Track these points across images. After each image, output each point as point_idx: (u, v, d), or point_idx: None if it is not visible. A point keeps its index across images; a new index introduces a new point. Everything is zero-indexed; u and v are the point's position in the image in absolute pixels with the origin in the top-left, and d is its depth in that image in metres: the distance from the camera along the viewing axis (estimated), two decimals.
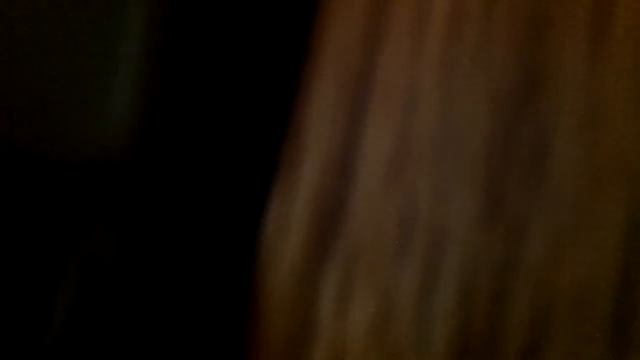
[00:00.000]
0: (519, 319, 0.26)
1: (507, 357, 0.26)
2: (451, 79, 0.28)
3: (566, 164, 0.26)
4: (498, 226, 0.27)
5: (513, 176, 0.27)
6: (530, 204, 0.26)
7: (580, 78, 0.27)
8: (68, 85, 0.29)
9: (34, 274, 0.29)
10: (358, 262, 0.28)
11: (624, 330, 0.25)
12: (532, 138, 0.27)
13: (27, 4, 0.29)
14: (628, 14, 0.26)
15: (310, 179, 0.29)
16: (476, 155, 0.27)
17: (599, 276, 0.25)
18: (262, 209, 0.30)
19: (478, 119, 0.27)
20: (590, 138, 0.26)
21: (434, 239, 0.27)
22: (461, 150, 0.27)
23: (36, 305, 0.29)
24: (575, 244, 0.26)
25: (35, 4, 0.29)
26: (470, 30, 0.28)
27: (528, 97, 0.27)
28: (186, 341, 0.30)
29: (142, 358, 0.29)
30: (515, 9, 0.28)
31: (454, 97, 0.28)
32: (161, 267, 0.30)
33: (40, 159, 0.29)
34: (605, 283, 0.25)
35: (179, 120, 0.30)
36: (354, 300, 0.28)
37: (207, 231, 0.30)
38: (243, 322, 0.29)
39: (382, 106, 0.29)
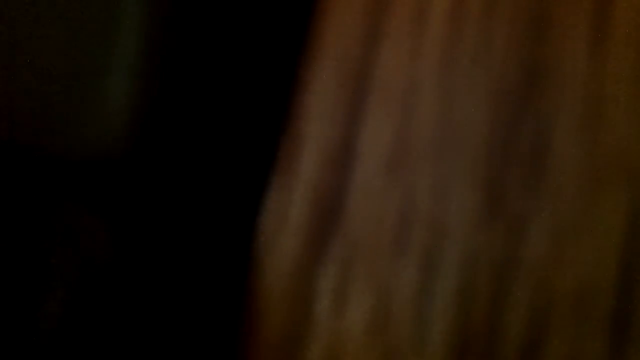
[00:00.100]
0: (519, 318, 0.26)
1: (507, 356, 0.26)
2: (451, 78, 0.28)
3: (566, 163, 0.26)
4: (498, 225, 0.27)
5: (513, 175, 0.27)
6: (530, 203, 0.26)
7: (580, 78, 0.27)
8: (65, 80, 0.29)
9: (26, 270, 0.29)
10: (356, 260, 0.28)
11: (624, 330, 0.25)
12: (532, 137, 0.27)
13: (26, 2, 0.29)
14: (629, 14, 0.26)
15: (308, 176, 0.29)
16: (476, 153, 0.27)
17: (599, 275, 0.25)
18: (259, 205, 0.30)
19: (478, 117, 0.27)
20: (590, 137, 0.26)
21: (433, 237, 0.27)
22: (461, 148, 0.27)
23: (28, 302, 0.29)
24: (575, 243, 0.26)
25: (34, 3, 0.29)
26: (471, 29, 0.28)
27: (528, 96, 0.27)
28: (182, 338, 0.30)
29: (138, 355, 0.29)
30: (516, 8, 0.28)
31: (454, 95, 0.28)
32: (157, 263, 0.30)
33: (35, 153, 0.29)
34: (606, 282, 0.25)
35: (176, 116, 0.30)
36: (351, 297, 0.28)
37: (204, 227, 0.30)
38: (239, 319, 0.29)
39: (382, 103, 0.29)
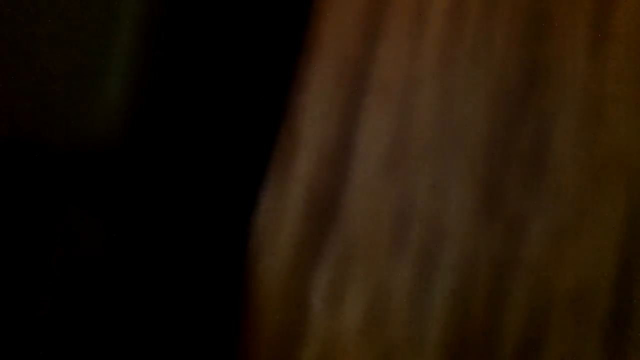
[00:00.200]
0: (517, 318, 0.26)
1: (505, 356, 0.25)
2: (450, 77, 0.28)
3: (566, 162, 0.26)
4: (496, 224, 0.26)
5: (512, 175, 0.27)
6: (529, 202, 0.26)
7: (580, 77, 0.27)
8: (64, 78, 0.29)
9: (21, 265, 0.29)
10: (352, 258, 0.28)
11: (623, 330, 0.25)
12: (531, 136, 0.27)
13: (27, 4, 0.30)
14: (629, 13, 0.26)
15: (305, 175, 0.29)
16: (475, 153, 0.27)
17: (598, 275, 0.25)
18: (255, 203, 0.30)
19: (477, 117, 0.27)
20: (590, 137, 0.26)
21: (431, 237, 0.27)
22: (460, 148, 0.27)
23: (22, 297, 0.28)
24: (574, 243, 0.26)
25: (35, 4, 0.30)
26: (470, 29, 0.28)
27: (528, 95, 0.27)
28: (176, 336, 0.30)
29: (134, 354, 0.29)
30: (516, 8, 0.28)
31: (453, 95, 0.28)
32: (150, 260, 0.29)
33: (34, 148, 0.29)
34: (605, 282, 0.25)
35: (172, 114, 0.30)
36: (348, 297, 0.28)
37: (198, 225, 0.30)
38: (234, 317, 0.29)
39: (380, 103, 0.29)
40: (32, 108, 0.29)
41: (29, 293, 0.28)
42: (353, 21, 0.29)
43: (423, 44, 0.29)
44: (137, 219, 0.29)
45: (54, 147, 0.29)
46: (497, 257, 0.26)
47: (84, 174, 0.29)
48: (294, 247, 0.29)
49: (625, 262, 0.25)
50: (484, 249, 0.26)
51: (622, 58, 0.26)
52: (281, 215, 0.29)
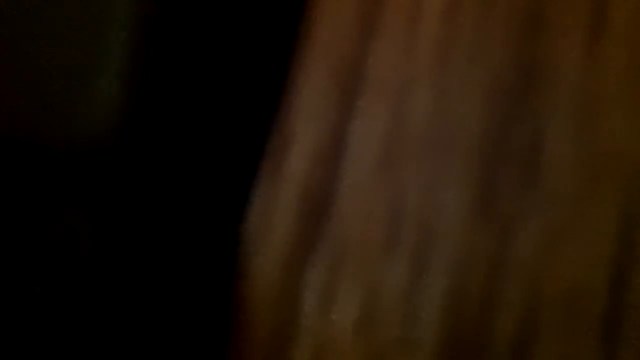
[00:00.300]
0: (510, 318, 0.25)
1: (497, 356, 0.25)
2: (445, 77, 0.28)
3: (560, 163, 0.26)
4: (490, 224, 0.26)
5: (506, 174, 0.27)
6: (523, 203, 0.26)
7: (576, 77, 0.26)
8: (56, 72, 0.29)
9: (10, 263, 0.29)
10: (345, 259, 0.28)
11: (616, 331, 0.25)
12: (526, 136, 0.27)
13: (22, 5, 0.30)
14: (625, 13, 0.26)
15: (297, 172, 0.29)
16: (469, 151, 0.27)
17: (591, 277, 0.25)
18: (247, 201, 0.30)
19: (472, 117, 0.27)
20: (585, 137, 0.26)
21: (423, 237, 0.27)
22: (453, 147, 0.27)
23: (12, 295, 0.28)
24: (568, 243, 0.26)
25: (30, 5, 0.30)
26: (466, 28, 0.28)
27: (523, 95, 0.27)
28: (168, 336, 0.29)
29: (125, 355, 0.29)
30: (511, 7, 0.28)
31: (448, 94, 0.28)
32: (142, 258, 0.29)
33: (22, 144, 0.29)
34: (598, 284, 0.25)
35: (165, 109, 0.29)
36: (340, 296, 0.27)
37: (190, 223, 0.30)
38: (226, 317, 0.29)
39: (374, 101, 0.28)
40: (25, 106, 0.29)
41: (21, 292, 0.28)
42: (347, 20, 0.29)
43: (418, 43, 0.28)
44: (129, 217, 0.29)
45: (48, 145, 0.29)
46: (491, 257, 0.26)
47: (78, 173, 0.29)
48: (286, 247, 0.29)
49: (618, 263, 0.25)
50: (478, 249, 0.26)
51: (619, 58, 0.26)
52: (274, 214, 0.29)
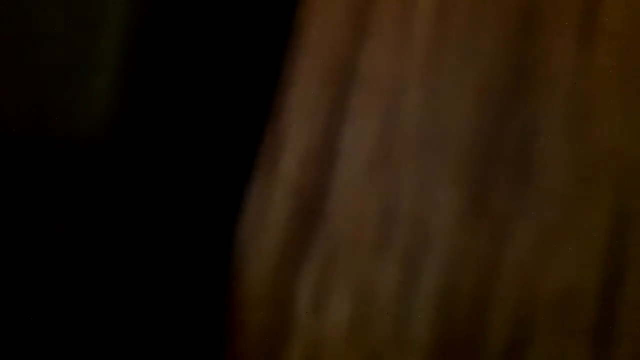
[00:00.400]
0: (502, 318, 0.25)
1: (489, 356, 0.25)
2: (437, 76, 0.28)
3: (553, 163, 0.26)
4: (482, 225, 0.26)
5: (499, 174, 0.26)
6: (515, 203, 0.26)
7: (568, 76, 0.26)
8: (50, 70, 0.29)
9: (4, 264, 0.28)
10: (337, 259, 0.28)
11: (609, 330, 0.25)
12: (518, 136, 0.26)
13: (19, 5, 0.30)
14: (617, 11, 0.26)
15: (290, 174, 0.29)
16: (461, 151, 0.27)
17: (584, 276, 0.25)
18: (240, 204, 0.30)
19: (464, 114, 0.27)
20: (577, 137, 0.26)
21: (415, 237, 0.27)
22: (445, 147, 0.27)
23: (7, 297, 0.28)
24: (560, 243, 0.25)
25: (27, 5, 0.30)
26: (457, 27, 0.28)
27: (515, 94, 0.27)
28: (162, 337, 0.29)
29: (118, 354, 0.29)
30: (503, 6, 0.27)
31: (440, 93, 0.28)
32: (135, 260, 0.29)
33: (16, 142, 0.29)
34: (590, 284, 0.25)
35: (157, 109, 0.29)
36: (333, 297, 0.27)
37: (184, 224, 0.30)
38: (220, 318, 0.29)
39: (366, 102, 0.28)
40: (20, 104, 0.29)
41: (17, 294, 0.28)
42: (339, 20, 0.29)
43: (410, 43, 0.28)
44: (123, 216, 0.29)
45: (43, 142, 0.29)
46: (484, 257, 0.26)
47: (68, 172, 0.29)
48: (280, 246, 0.28)
49: (612, 263, 0.25)
50: (471, 248, 0.26)
51: (611, 56, 0.26)
52: (267, 214, 0.29)
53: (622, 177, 0.25)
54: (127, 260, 0.29)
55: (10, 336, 0.28)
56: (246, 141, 0.30)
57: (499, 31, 0.27)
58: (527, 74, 0.27)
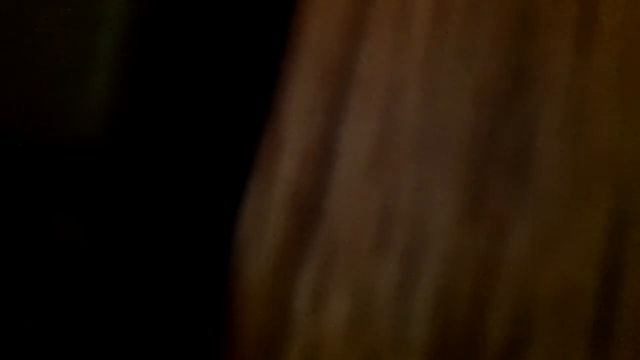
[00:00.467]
0: (500, 318, 0.25)
1: (488, 356, 0.25)
2: (434, 76, 0.28)
3: (550, 163, 0.26)
4: (480, 225, 0.26)
5: (496, 175, 0.26)
6: (513, 204, 0.26)
7: (566, 77, 0.26)
8: (46, 71, 0.29)
9: (3, 264, 0.28)
10: (336, 260, 0.28)
11: (607, 331, 0.25)
12: (515, 136, 0.26)
13: (14, 5, 0.30)
14: (615, 12, 0.26)
15: (288, 174, 0.29)
16: (459, 152, 0.27)
17: (582, 276, 0.25)
18: (238, 204, 0.30)
19: (461, 115, 0.27)
20: (575, 138, 0.26)
21: (414, 237, 0.27)
22: (443, 148, 0.27)
23: (3, 300, 0.28)
24: (558, 243, 0.25)
25: (23, 5, 0.30)
26: (455, 28, 0.28)
27: (513, 94, 0.27)
28: (159, 338, 0.29)
29: (115, 354, 0.29)
30: (501, 6, 0.27)
31: (437, 94, 0.28)
32: (133, 260, 0.29)
33: (12, 143, 0.29)
34: (589, 285, 0.25)
35: (156, 108, 0.29)
36: (331, 298, 0.27)
37: (182, 225, 0.30)
38: (217, 318, 0.29)
39: (363, 102, 0.28)
40: (18, 105, 0.29)
41: (15, 295, 0.28)
42: (337, 21, 0.29)
43: (408, 44, 0.28)
44: (121, 217, 0.29)
45: (40, 144, 0.29)
46: (482, 258, 0.26)
47: (67, 173, 0.29)
48: (278, 247, 0.28)
49: (611, 263, 0.25)
50: (469, 249, 0.26)
51: (608, 57, 0.26)
52: (266, 214, 0.29)
53: (621, 177, 0.25)
54: (126, 260, 0.29)
55: (10, 336, 0.28)
56: (244, 141, 0.30)
57: (497, 31, 0.27)
58: (526, 73, 0.27)
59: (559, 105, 0.26)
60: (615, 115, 0.26)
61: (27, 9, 0.29)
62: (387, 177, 0.28)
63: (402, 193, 0.27)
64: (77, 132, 0.29)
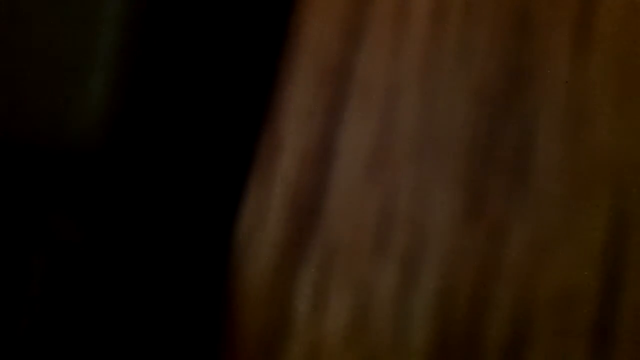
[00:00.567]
0: (500, 318, 0.25)
1: (488, 357, 0.25)
2: (433, 78, 0.28)
3: (549, 163, 0.26)
4: (479, 225, 0.26)
5: (495, 177, 0.26)
6: (512, 206, 0.26)
7: (564, 76, 0.26)
8: (44, 72, 0.29)
9: (1, 266, 0.28)
10: (335, 260, 0.28)
11: (607, 333, 0.25)
12: (515, 136, 0.26)
13: (12, 5, 0.30)
14: (614, 13, 0.26)
15: (287, 175, 0.29)
16: (457, 153, 0.27)
17: (582, 277, 0.25)
18: (238, 205, 0.30)
19: (460, 116, 0.27)
20: (574, 139, 0.26)
21: (413, 239, 0.27)
22: (442, 149, 0.27)
23: (1, 303, 0.28)
24: (558, 244, 0.25)
25: (20, 5, 0.30)
26: (453, 29, 0.28)
27: (511, 95, 0.27)
28: (159, 338, 0.29)
29: (114, 355, 0.29)
30: (499, 8, 0.27)
31: (436, 95, 0.28)
32: (132, 261, 0.29)
33: (8, 145, 0.29)
34: (589, 287, 0.25)
35: (154, 110, 0.29)
36: (331, 298, 0.27)
37: (181, 226, 0.30)
38: (217, 319, 0.29)
39: (362, 102, 0.28)
40: (15, 107, 0.29)
41: (10, 299, 0.28)
42: (335, 21, 0.29)
43: (406, 45, 0.28)
44: (120, 219, 0.29)
45: (38, 146, 0.29)
46: (482, 259, 0.26)
47: (65, 175, 0.29)
48: (277, 248, 0.28)
49: (611, 263, 0.25)
50: (469, 251, 0.26)
51: (607, 58, 0.26)
52: (265, 216, 0.29)
53: (620, 177, 0.25)
54: (125, 260, 0.29)
55: (10, 337, 0.28)
56: (244, 141, 0.30)
57: (496, 31, 0.27)
58: (525, 73, 0.27)
59: (558, 106, 0.26)
60: (614, 115, 0.26)
61: (26, 9, 0.29)
62: (387, 177, 0.28)
63: (401, 193, 0.27)
64: (76, 132, 0.29)
